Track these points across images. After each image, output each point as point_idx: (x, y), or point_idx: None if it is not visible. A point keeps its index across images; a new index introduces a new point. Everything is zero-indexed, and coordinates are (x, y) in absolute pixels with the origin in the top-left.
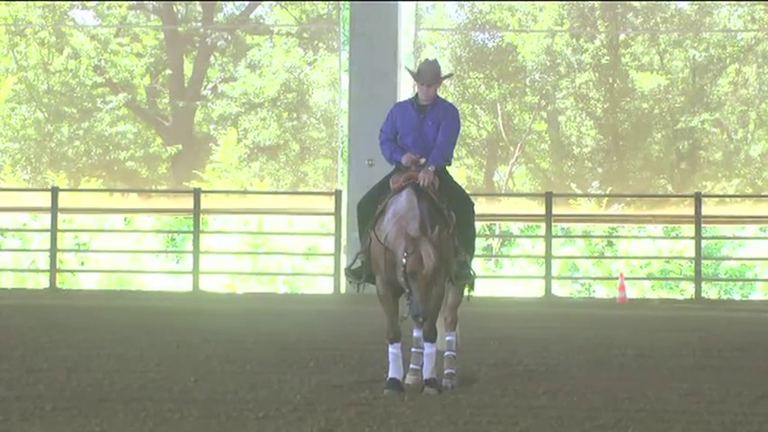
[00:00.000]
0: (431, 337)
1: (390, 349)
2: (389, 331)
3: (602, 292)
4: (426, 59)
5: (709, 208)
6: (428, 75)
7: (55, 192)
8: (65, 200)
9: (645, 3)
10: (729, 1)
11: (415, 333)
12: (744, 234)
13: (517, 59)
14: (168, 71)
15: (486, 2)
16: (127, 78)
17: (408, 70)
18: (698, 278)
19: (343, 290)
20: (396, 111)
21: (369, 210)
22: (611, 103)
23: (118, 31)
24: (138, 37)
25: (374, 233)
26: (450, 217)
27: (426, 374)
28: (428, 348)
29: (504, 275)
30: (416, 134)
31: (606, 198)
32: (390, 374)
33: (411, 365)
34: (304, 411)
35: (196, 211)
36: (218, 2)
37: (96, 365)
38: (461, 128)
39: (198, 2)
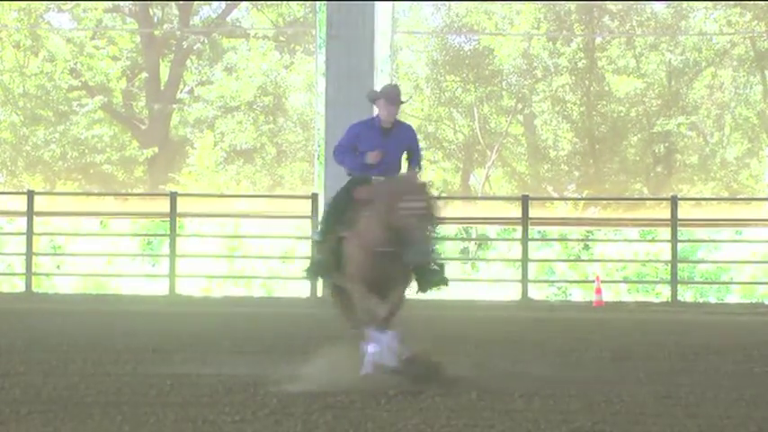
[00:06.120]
0: (387, 325)
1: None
2: (366, 316)
3: (579, 295)
4: (389, 84)
5: (684, 211)
6: (394, 94)
7: (31, 195)
8: (41, 203)
9: (621, 5)
10: (705, 1)
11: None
12: (719, 237)
13: (494, 63)
14: (144, 74)
15: (462, 2)
16: (103, 81)
17: (371, 92)
18: (674, 281)
19: (319, 293)
20: (357, 129)
21: (335, 217)
22: (588, 107)
23: (94, 34)
24: (114, 40)
25: (350, 233)
26: None
27: (392, 363)
28: (386, 339)
29: (481, 279)
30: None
31: (582, 201)
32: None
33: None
34: (281, 415)
35: (172, 215)
36: (195, 2)
37: (72, 369)
38: (437, 131)
39: (174, 2)
